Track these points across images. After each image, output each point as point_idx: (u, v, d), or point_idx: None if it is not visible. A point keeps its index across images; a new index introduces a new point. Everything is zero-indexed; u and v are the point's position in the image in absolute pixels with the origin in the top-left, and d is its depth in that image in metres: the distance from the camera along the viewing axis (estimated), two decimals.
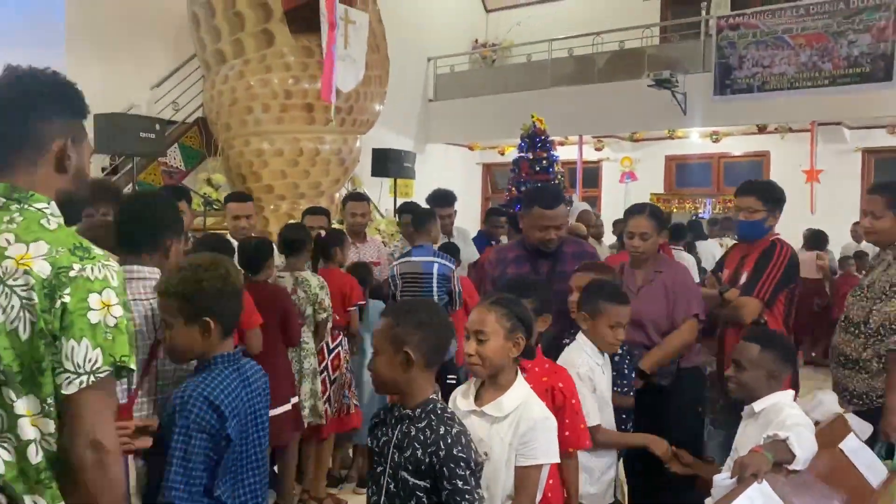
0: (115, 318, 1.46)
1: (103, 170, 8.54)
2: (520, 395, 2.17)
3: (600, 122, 11.41)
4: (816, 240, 8.51)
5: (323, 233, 4.52)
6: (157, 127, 7.23)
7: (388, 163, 9.11)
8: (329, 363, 4.21)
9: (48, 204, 1.50)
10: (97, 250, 1.50)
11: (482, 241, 6.13)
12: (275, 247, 4.12)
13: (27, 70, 1.52)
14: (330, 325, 4.17)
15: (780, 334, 3.01)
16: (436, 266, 4.56)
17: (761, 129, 11.29)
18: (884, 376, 2.92)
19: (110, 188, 4.40)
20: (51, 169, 1.53)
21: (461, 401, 2.27)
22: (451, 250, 4.95)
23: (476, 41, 14.31)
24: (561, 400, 2.40)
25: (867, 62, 9.08)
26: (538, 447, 2.10)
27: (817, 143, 10.47)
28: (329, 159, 7.91)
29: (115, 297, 1.47)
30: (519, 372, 2.24)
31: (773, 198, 3.46)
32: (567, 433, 2.37)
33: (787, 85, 9.64)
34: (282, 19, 7.39)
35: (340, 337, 4.31)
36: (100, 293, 1.44)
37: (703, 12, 10.93)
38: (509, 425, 2.13)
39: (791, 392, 2.55)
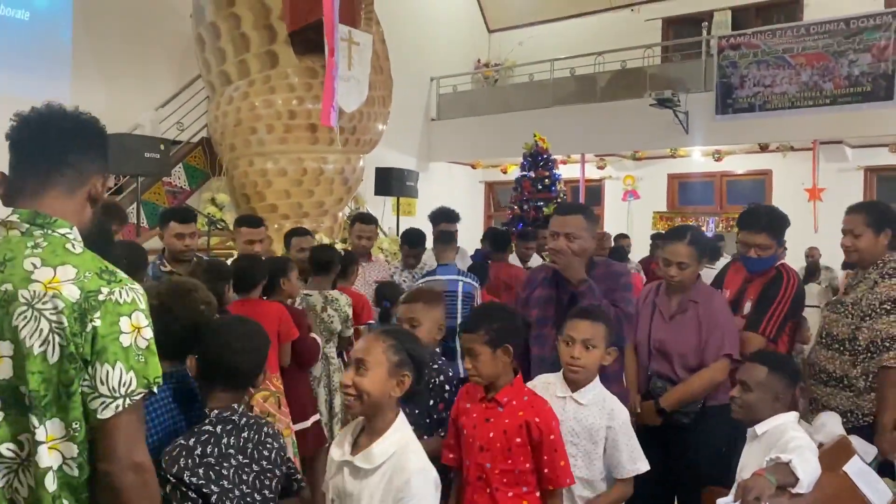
0: (146, 339, 1.49)
1: (108, 189, 8.58)
2: (395, 443, 1.90)
3: (602, 140, 11.45)
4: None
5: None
6: (162, 147, 7.29)
7: (392, 182, 9.15)
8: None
9: (71, 229, 1.53)
10: (122, 273, 1.53)
11: (480, 259, 6.13)
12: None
13: (71, 109, 1.60)
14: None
15: (788, 357, 3.00)
16: (460, 285, 4.65)
17: (763, 148, 11.31)
18: (870, 394, 2.89)
19: (119, 208, 4.51)
20: (85, 200, 1.60)
21: (335, 450, 2.00)
22: (478, 271, 5.03)
23: (478, 61, 14.39)
24: (538, 435, 2.21)
25: (868, 81, 9.11)
26: None
27: (819, 162, 10.50)
28: (333, 179, 7.95)
29: (144, 318, 1.50)
30: (401, 414, 1.97)
31: (782, 230, 3.37)
32: (546, 470, 2.22)
33: (788, 104, 9.67)
34: (286, 41, 7.46)
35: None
36: (129, 316, 1.47)
37: (705, 32, 11.00)
38: (381, 478, 1.86)
39: (795, 414, 2.53)
